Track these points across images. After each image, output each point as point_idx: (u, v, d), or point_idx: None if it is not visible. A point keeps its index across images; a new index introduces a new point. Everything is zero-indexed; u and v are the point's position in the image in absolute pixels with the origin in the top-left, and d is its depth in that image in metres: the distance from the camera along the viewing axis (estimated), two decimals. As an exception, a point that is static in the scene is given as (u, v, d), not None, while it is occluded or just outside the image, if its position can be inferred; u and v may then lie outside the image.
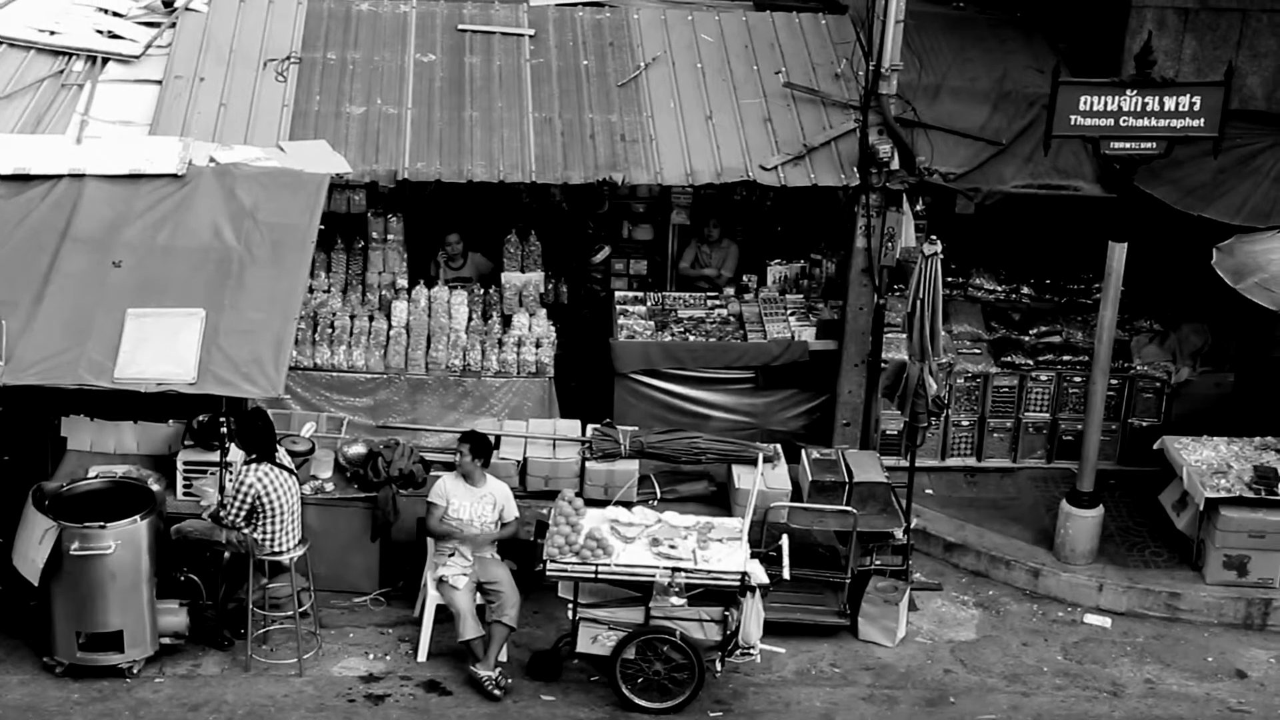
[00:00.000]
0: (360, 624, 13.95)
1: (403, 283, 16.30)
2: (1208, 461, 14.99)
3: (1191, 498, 14.89)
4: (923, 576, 14.93)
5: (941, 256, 13.80)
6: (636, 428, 14.75)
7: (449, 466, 13.99)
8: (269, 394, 12.40)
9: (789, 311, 16.56)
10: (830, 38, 16.93)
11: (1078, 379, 16.25)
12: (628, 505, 13.80)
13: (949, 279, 16.03)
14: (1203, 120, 13.87)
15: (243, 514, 13.02)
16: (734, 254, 17.16)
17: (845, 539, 13.95)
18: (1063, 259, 17.10)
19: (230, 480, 13.23)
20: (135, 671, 13.05)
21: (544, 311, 16.30)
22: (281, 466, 13.16)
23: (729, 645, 12.87)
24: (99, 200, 13.40)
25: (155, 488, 13.52)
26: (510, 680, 13.18)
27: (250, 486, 12.94)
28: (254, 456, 13.11)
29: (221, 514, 13.14)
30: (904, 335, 14.85)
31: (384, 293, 16.26)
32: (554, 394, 15.93)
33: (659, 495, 14.34)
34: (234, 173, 13.80)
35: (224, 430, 13.36)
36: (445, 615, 13.33)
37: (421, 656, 13.49)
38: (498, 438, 14.22)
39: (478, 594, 13.29)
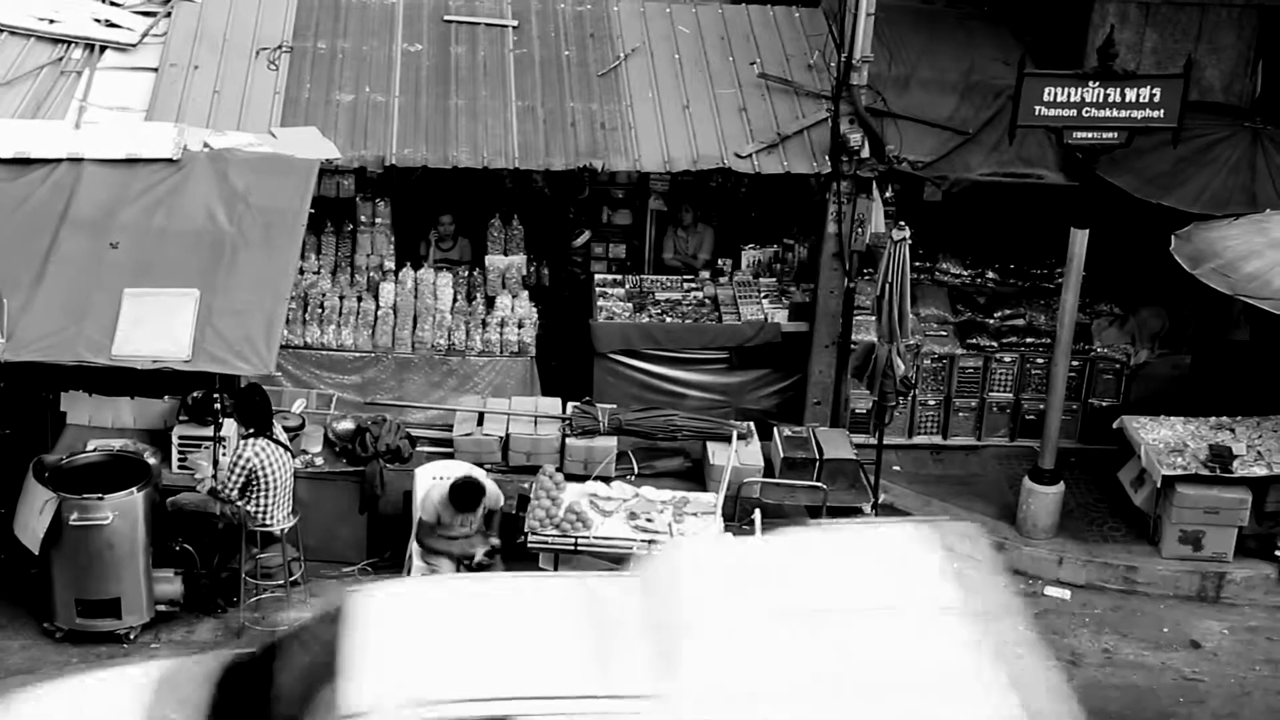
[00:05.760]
0: (349, 593, 14.27)
1: (390, 265, 16.41)
2: (1165, 440, 15.13)
3: (1149, 475, 15.06)
4: (890, 550, 15.27)
5: (910, 242, 13.98)
6: (615, 406, 14.91)
7: (435, 442, 14.20)
8: (261, 371, 12.53)
9: (762, 294, 16.64)
10: (803, 30, 17.07)
11: (1040, 360, 16.35)
12: (606, 480, 14.01)
13: (917, 263, 16.15)
14: (1163, 111, 13.97)
15: (238, 488, 13.19)
16: (709, 238, 17.24)
17: (815, 513, 14.11)
18: (1027, 245, 17.18)
19: (226, 455, 13.35)
20: (132, 637, 13.21)
21: (526, 293, 16.39)
22: (277, 442, 13.34)
23: (703, 614, 13.15)
24: (97, 184, 13.48)
25: (151, 461, 13.58)
26: (492, 648, 13.46)
27: (247, 461, 13.12)
28: (251, 431, 13.28)
29: (218, 488, 13.31)
30: (873, 317, 14.98)
31: (372, 274, 16.36)
32: (535, 373, 16.05)
33: (636, 471, 14.50)
34: (227, 158, 13.88)
35: (217, 406, 13.45)
36: (430, 585, 13.57)
37: (407, 624, 13.78)
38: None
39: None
